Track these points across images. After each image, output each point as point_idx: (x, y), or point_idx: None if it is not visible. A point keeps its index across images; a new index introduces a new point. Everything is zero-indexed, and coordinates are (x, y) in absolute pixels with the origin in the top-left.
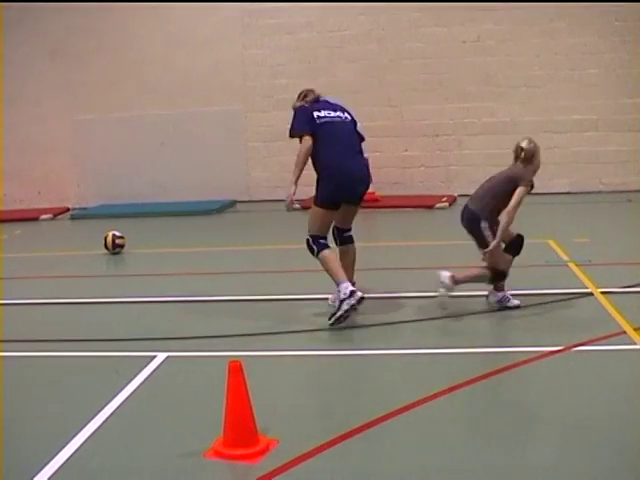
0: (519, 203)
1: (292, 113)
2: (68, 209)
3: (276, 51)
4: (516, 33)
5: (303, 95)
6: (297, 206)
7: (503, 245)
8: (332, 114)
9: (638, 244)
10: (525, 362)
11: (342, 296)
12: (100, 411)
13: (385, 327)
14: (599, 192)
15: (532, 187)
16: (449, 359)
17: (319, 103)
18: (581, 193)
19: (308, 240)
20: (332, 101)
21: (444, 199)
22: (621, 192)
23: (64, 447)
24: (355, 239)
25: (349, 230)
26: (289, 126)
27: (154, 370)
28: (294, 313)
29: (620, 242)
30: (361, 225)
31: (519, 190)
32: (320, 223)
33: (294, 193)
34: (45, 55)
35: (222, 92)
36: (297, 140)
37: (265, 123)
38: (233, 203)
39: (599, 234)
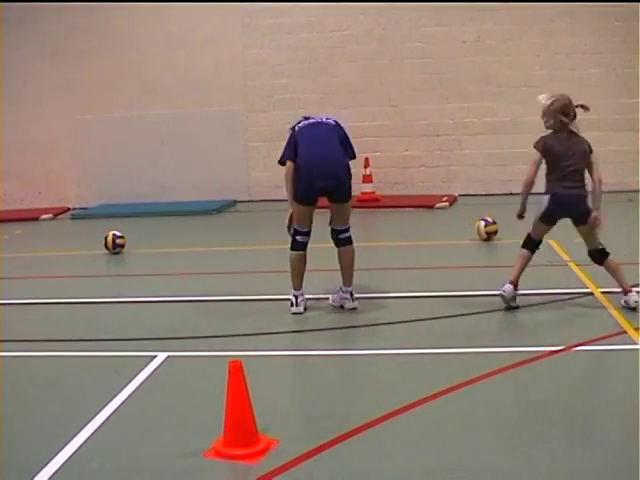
0: None
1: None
2: (68, 209)
3: (276, 51)
4: (516, 33)
5: (296, 122)
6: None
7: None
8: (313, 120)
9: (638, 244)
10: (525, 362)
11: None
12: (100, 411)
13: (385, 327)
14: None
15: None
16: (449, 359)
17: (308, 119)
18: None
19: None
20: (324, 116)
21: (444, 199)
22: (621, 192)
23: (64, 447)
24: (355, 239)
25: (344, 231)
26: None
27: (154, 370)
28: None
29: (620, 242)
30: (361, 225)
31: (594, 157)
32: (297, 218)
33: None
34: (45, 55)
35: (222, 92)
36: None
37: (265, 123)
38: (233, 203)
39: (599, 234)
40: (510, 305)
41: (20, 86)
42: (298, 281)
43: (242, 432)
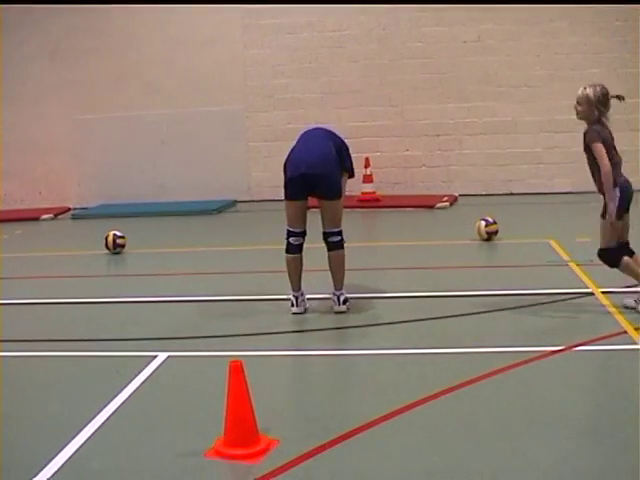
0: None
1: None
2: (69, 209)
3: (277, 51)
4: (517, 33)
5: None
6: None
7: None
8: (314, 126)
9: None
10: (525, 362)
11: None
12: (101, 411)
13: (386, 327)
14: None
15: None
16: (449, 359)
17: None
18: (582, 193)
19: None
20: (328, 126)
21: (445, 199)
22: None
23: (64, 447)
24: (355, 239)
25: (335, 234)
26: None
27: (155, 370)
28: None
29: None
30: (361, 225)
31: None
32: (288, 217)
33: None
34: (45, 55)
35: (223, 92)
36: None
37: (266, 123)
38: (234, 203)
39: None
40: None
41: (20, 86)
42: (296, 282)
43: (242, 432)
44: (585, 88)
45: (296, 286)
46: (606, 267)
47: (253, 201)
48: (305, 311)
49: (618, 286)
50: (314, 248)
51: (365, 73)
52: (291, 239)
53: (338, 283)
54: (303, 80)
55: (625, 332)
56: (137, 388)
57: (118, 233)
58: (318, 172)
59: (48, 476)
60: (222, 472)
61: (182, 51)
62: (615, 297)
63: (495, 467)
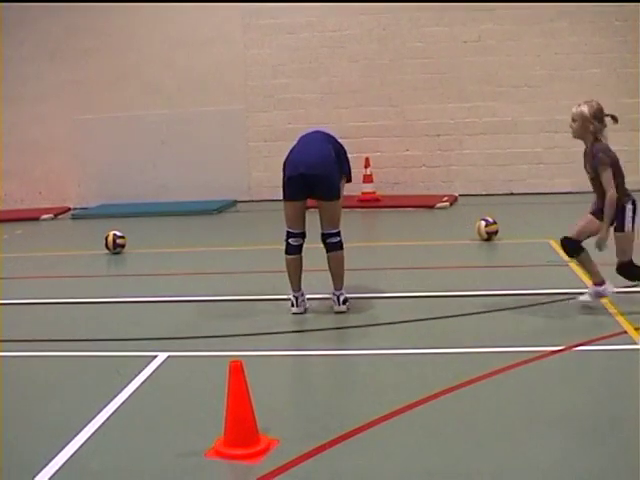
0: None
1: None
2: (69, 209)
3: (277, 51)
4: (517, 33)
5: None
6: None
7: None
8: (314, 129)
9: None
10: (525, 362)
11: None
12: (101, 411)
13: (386, 327)
14: None
15: None
16: (449, 359)
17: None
18: (582, 193)
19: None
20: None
21: (445, 199)
22: None
23: (65, 447)
24: (355, 239)
25: (333, 235)
26: None
27: (155, 370)
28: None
29: None
30: (361, 225)
31: None
32: (288, 218)
33: None
34: (45, 55)
35: (223, 92)
36: (297, 139)
37: (266, 123)
38: (234, 203)
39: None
40: None
41: (20, 86)
42: (296, 283)
43: (243, 432)
44: (580, 105)
45: (296, 286)
46: (606, 267)
47: (253, 201)
48: (305, 311)
49: (618, 286)
50: (314, 248)
51: (365, 73)
52: (290, 240)
53: (338, 283)
54: (303, 80)
55: (625, 332)
56: (137, 388)
57: (118, 233)
58: (317, 173)
59: (48, 476)
60: (222, 472)
61: (182, 51)
62: (615, 297)
63: (495, 467)
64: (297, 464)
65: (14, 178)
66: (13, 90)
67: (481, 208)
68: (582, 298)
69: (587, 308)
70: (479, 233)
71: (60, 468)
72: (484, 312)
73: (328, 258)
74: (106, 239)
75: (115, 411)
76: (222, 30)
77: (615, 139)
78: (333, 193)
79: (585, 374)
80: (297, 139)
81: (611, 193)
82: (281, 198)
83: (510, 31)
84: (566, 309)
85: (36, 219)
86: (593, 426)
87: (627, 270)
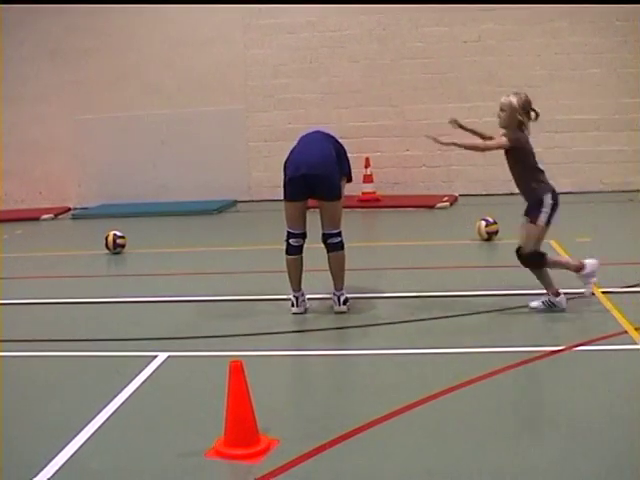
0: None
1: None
2: (69, 209)
3: (277, 51)
4: (517, 33)
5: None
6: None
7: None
8: (314, 129)
9: (639, 244)
10: (525, 362)
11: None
12: (101, 411)
13: (386, 327)
14: (600, 192)
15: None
16: (449, 359)
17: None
18: (582, 193)
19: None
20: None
21: (445, 199)
22: (622, 192)
23: (65, 447)
24: (356, 239)
25: (334, 236)
26: None
27: (155, 370)
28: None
29: (621, 242)
30: (362, 225)
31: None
32: (288, 218)
33: None
34: (45, 55)
35: (223, 92)
36: (297, 139)
37: (266, 123)
38: (234, 203)
39: (600, 234)
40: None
41: (20, 86)
42: (296, 283)
43: (243, 432)
44: (509, 95)
45: (296, 286)
46: (606, 267)
47: (253, 201)
48: (305, 311)
49: (618, 286)
50: (314, 248)
51: (365, 73)
52: (291, 240)
53: (338, 284)
54: (303, 80)
55: (625, 332)
56: (137, 388)
57: (118, 233)
58: (319, 173)
59: (48, 476)
60: (222, 472)
61: (182, 51)
62: (615, 297)
63: (495, 467)
64: (297, 464)
65: (14, 178)
66: (13, 90)
67: (481, 208)
68: (533, 304)
69: (587, 308)
70: (479, 233)
71: (60, 468)
72: (484, 312)
73: (329, 258)
74: (106, 239)
75: (115, 411)
76: (222, 30)
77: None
78: (334, 193)
79: (585, 374)
80: (298, 139)
81: (494, 142)
82: (281, 198)
83: (510, 31)
84: (566, 309)
85: (36, 219)
86: (593, 426)
87: (525, 259)
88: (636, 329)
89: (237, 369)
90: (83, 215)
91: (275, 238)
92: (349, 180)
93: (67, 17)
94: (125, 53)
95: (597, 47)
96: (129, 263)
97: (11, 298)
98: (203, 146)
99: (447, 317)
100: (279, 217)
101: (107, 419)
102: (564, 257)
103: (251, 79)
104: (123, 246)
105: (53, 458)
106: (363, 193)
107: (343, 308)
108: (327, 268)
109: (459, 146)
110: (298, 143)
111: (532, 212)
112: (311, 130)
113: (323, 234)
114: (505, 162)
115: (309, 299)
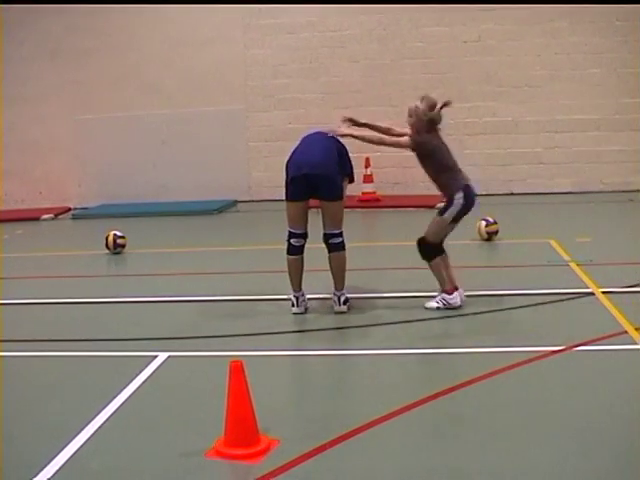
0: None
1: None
2: (69, 209)
3: (277, 51)
4: (517, 33)
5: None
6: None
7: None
8: (315, 130)
9: (639, 244)
10: (525, 362)
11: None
12: (101, 411)
13: (386, 327)
14: (600, 192)
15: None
16: (449, 359)
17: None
18: (582, 193)
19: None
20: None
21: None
22: (622, 192)
23: (65, 447)
24: (356, 239)
25: (335, 236)
26: None
27: (155, 370)
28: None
29: (621, 242)
30: (362, 225)
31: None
32: (290, 218)
33: None
34: (45, 55)
35: (223, 92)
36: (297, 139)
37: (266, 123)
38: (234, 203)
39: (600, 234)
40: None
41: (20, 86)
42: (297, 283)
43: (243, 432)
44: (416, 102)
45: (297, 286)
46: (606, 267)
47: (253, 201)
48: (305, 311)
49: (619, 286)
50: (315, 248)
51: (366, 73)
52: (292, 240)
53: (339, 284)
54: (303, 80)
55: (625, 332)
56: (137, 388)
57: (118, 233)
58: (320, 173)
59: (48, 476)
60: (222, 472)
61: (182, 51)
62: (615, 297)
63: (495, 467)
64: (297, 464)
65: (14, 178)
66: (13, 90)
67: (481, 208)
68: (428, 305)
69: (587, 308)
70: (479, 233)
71: (60, 468)
72: (484, 312)
73: (330, 258)
74: (106, 239)
75: (115, 411)
76: (222, 30)
77: (615, 139)
78: (336, 193)
79: (585, 374)
80: (299, 139)
81: (401, 141)
82: (281, 198)
83: (510, 31)
84: (566, 309)
85: (36, 219)
86: (593, 426)
87: (425, 248)
88: (636, 329)
89: (237, 369)
90: (83, 215)
91: (275, 238)
92: (351, 180)
93: (67, 17)
94: (125, 53)
95: (597, 47)
96: (129, 263)
97: (11, 298)
98: (203, 146)
99: (447, 317)
100: (279, 217)
101: (107, 419)
102: (450, 272)
103: (251, 79)
104: (123, 246)
105: (53, 458)
106: (363, 193)
107: (343, 308)
108: (328, 268)
109: (359, 139)
110: (300, 143)
111: (444, 206)
112: (313, 130)
113: (324, 234)
114: (505, 164)
115: (309, 299)
